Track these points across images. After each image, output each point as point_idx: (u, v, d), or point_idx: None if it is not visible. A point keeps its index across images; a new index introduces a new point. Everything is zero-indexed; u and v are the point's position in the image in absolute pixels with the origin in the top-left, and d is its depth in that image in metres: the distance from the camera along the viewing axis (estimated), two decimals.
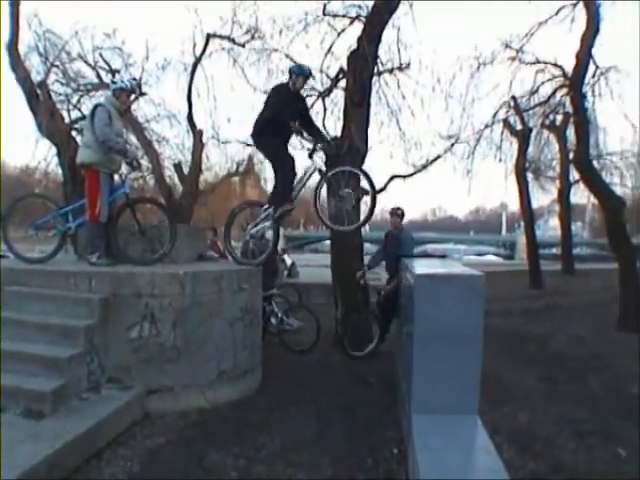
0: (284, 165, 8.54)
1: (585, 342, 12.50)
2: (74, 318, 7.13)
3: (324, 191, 8.56)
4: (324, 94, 14.33)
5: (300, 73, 8.56)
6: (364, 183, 8.40)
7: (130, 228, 8.40)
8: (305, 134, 8.53)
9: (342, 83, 12.96)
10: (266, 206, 8.85)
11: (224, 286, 7.84)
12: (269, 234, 8.89)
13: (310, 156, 8.45)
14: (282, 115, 8.29)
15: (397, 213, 10.84)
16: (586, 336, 13.07)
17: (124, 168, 8.50)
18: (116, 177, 8.48)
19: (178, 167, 22.72)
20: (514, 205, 32.20)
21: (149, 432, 6.68)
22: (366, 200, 8.26)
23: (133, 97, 17.62)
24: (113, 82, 8.52)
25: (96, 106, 8.13)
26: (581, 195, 34.38)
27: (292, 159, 8.58)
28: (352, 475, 5.72)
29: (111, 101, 8.28)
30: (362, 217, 8.61)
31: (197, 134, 21.27)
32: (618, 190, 28.37)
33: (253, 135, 8.81)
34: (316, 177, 8.68)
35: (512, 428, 7.05)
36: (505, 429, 6.95)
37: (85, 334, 6.94)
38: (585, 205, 63.36)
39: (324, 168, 8.66)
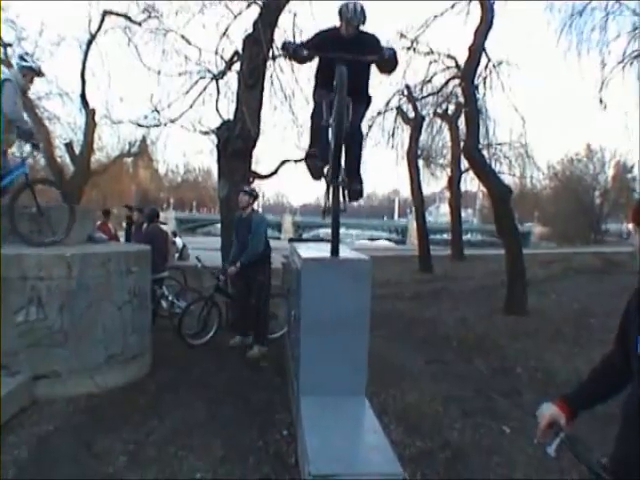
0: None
1: (473, 325, 12.85)
2: None
3: None
4: (218, 76, 14.28)
5: (340, 15, 6.45)
6: None
7: (21, 209, 8.08)
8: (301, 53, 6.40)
9: (236, 66, 12.95)
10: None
11: (112, 269, 7.68)
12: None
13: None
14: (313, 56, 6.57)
15: (244, 190, 10.05)
16: (474, 319, 13.43)
17: (26, 148, 8.25)
18: (10, 155, 8.21)
19: (69, 147, 22.32)
20: (406, 191, 32.97)
21: (37, 419, 6.52)
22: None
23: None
24: (22, 59, 8.20)
25: (3, 81, 7.78)
26: (472, 183, 35.34)
27: (320, 103, 6.58)
28: (243, 456, 5.75)
29: (18, 78, 7.95)
30: None
31: (90, 113, 20.91)
32: (507, 179, 29.39)
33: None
34: None
35: (400, 409, 7.21)
36: (394, 410, 7.11)
37: None
38: (476, 192, 64.98)
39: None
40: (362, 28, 6.55)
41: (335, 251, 6.43)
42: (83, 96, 20.51)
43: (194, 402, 7.27)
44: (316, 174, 6.87)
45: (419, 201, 28.26)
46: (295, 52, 6.41)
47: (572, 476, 5.24)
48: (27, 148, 8.22)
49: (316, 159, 6.69)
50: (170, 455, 5.75)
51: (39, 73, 8.41)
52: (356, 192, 6.85)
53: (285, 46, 6.65)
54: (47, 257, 7.18)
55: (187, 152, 47.14)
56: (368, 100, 7.00)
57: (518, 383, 8.60)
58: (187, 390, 7.72)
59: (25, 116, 8.11)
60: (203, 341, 10.29)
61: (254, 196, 10.05)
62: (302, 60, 6.65)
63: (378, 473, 4.49)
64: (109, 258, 7.67)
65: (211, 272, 11.08)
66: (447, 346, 10.80)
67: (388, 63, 6.45)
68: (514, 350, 10.50)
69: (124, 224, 15.77)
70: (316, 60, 6.76)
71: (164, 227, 14.36)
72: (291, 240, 10.10)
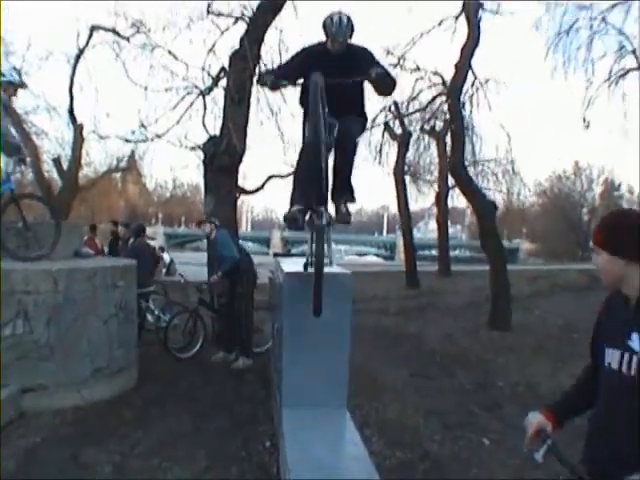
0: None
1: (457, 340, 12.95)
2: None
3: None
4: (205, 92, 14.40)
5: (324, 29, 5.77)
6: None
7: (8, 224, 8.15)
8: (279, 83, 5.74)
9: (223, 82, 13.05)
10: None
11: (98, 283, 7.77)
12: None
13: None
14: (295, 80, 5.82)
15: (203, 221, 10.82)
16: (458, 334, 13.52)
17: (11, 164, 8.30)
18: None
19: (57, 162, 22.32)
20: (395, 207, 32.74)
21: (24, 431, 6.61)
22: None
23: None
24: (1, 74, 8.24)
25: None
26: (459, 199, 35.45)
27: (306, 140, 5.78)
28: (226, 467, 5.86)
29: None
30: None
31: (78, 128, 20.93)
32: (496, 195, 29.64)
33: None
34: None
35: (382, 421, 7.31)
36: (376, 422, 7.21)
37: None
38: (464, 209, 65.16)
39: None
40: (352, 40, 5.92)
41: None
42: (71, 111, 20.54)
43: (180, 415, 7.34)
44: (297, 229, 5.95)
45: (406, 217, 28.32)
46: (274, 84, 5.76)
47: None
48: (11, 165, 8.26)
49: (298, 222, 5.65)
50: (155, 466, 5.85)
51: (21, 85, 8.46)
52: (344, 216, 5.98)
53: (262, 79, 5.97)
54: (34, 272, 7.28)
55: (174, 167, 47.16)
56: (364, 119, 6.38)
57: (500, 397, 8.69)
58: (173, 403, 7.81)
59: (12, 131, 8.16)
60: (190, 354, 10.39)
61: (214, 223, 10.45)
62: (284, 87, 5.97)
63: None
64: (95, 273, 7.76)
65: (195, 286, 11.19)
66: (431, 360, 10.89)
67: (380, 83, 5.60)
68: (497, 365, 10.62)
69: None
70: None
71: (152, 242, 14.40)
72: (276, 255, 10.23)
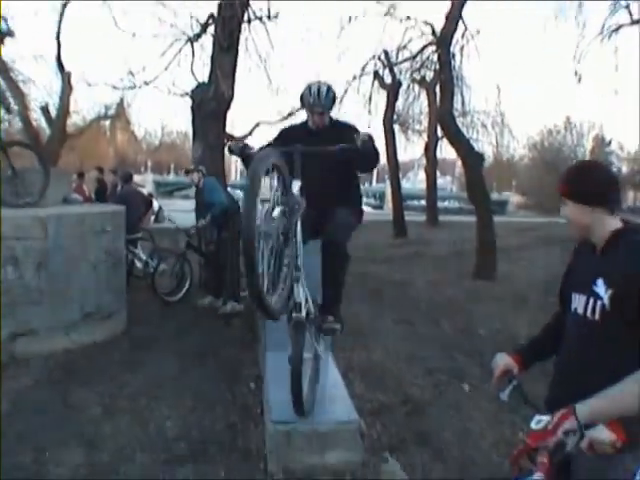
0: None
1: (442, 288, 13.09)
2: None
3: None
4: (193, 39, 14.36)
5: (301, 102, 5.28)
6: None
7: None
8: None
9: (211, 29, 13.01)
10: None
11: (87, 229, 7.87)
12: None
13: None
14: None
15: (190, 170, 11.01)
16: (443, 283, 13.70)
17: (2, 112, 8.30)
18: None
19: (45, 110, 22.20)
20: (384, 157, 32.23)
21: (16, 374, 6.74)
22: None
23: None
24: None
25: None
26: (447, 149, 35.34)
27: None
28: (211, 407, 6.03)
29: None
30: None
31: (66, 76, 20.79)
32: (485, 146, 29.62)
33: None
34: None
35: (366, 366, 7.45)
36: (359, 366, 7.35)
37: None
38: (455, 160, 64.96)
39: None
40: (337, 116, 5.56)
41: None
42: (59, 59, 20.40)
43: (167, 358, 7.52)
44: None
45: (394, 167, 28.35)
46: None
47: (523, 429, 5.49)
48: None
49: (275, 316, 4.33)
50: (142, 406, 6.03)
51: (7, 34, 8.41)
52: (328, 329, 5.30)
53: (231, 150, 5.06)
54: (23, 218, 7.34)
55: (163, 115, 46.97)
56: (357, 209, 5.53)
57: (481, 345, 8.80)
58: (160, 347, 7.99)
59: None
60: (177, 298, 10.67)
61: (202, 172, 10.58)
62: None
63: (335, 420, 4.83)
64: (84, 218, 7.85)
65: (184, 231, 11.32)
66: (416, 308, 11.01)
67: (363, 158, 4.98)
68: (480, 313, 10.73)
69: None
70: None
71: (143, 190, 14.43)
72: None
